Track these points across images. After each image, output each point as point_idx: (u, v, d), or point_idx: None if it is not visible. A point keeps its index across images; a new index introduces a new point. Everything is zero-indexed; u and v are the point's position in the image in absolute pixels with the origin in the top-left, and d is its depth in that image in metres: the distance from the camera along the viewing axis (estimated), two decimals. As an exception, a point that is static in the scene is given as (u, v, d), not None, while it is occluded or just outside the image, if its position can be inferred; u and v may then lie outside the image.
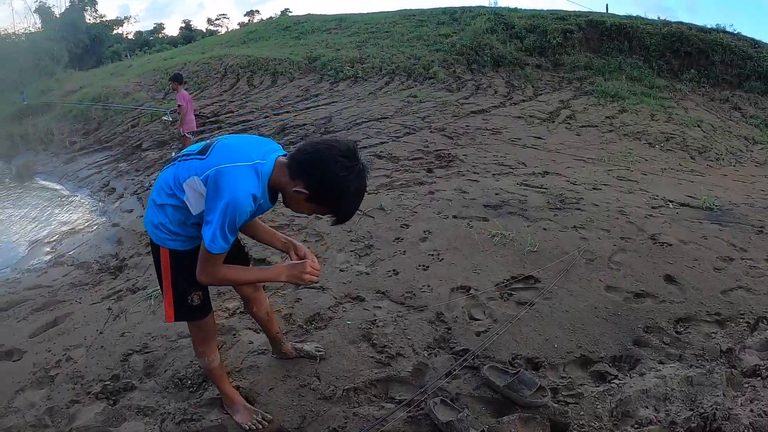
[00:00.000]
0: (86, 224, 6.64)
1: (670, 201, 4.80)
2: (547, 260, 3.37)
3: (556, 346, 2.54)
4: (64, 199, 8.26)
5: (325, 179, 1.58)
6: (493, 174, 5.76)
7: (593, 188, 5.15)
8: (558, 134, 8.55)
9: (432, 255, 3.61)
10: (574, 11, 18.30)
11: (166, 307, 1.91)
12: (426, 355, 2.54)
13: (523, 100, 11.48)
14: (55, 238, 6.28)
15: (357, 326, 2.81)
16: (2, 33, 32.01)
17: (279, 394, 2.38)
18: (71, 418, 2.43)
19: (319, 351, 2.57)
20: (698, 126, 9.93)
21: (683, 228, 4.02)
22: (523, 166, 6.26)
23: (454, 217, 4.28)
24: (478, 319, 2.80)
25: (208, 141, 1.78)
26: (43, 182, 9.68)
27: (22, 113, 15.76)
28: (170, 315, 1.92)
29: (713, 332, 2.66)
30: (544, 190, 4.89)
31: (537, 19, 16.76)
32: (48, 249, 5.92)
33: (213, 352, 2.13)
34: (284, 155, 1.74)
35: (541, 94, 12.28)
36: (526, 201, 4.55)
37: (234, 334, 2.91)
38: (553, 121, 9.52)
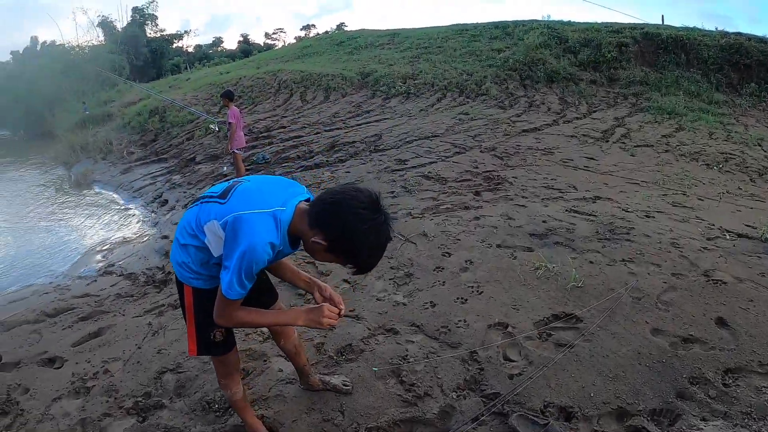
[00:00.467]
0: (138, 235, 6.89)
1: (727, 231, 4.48)
2: (592, 297, 3.19)
3: (592, 394, 2.37)
4: (118, 209, 8.62)
5: (345, 231, 1.53)
6: (542, 198, 5.57)
7: (646, 216, 4.88)
8: (612, 155, 8.21)
9: (472, 287, 3.49)
10: (629, 23, 17.76)
11: (189, 341, 1.93)
12: (455, 396, 2.43)
13: (577, 118, 11.15)
14: (107, 246, 6.54)
15: (388, 361, 2.74)
16: (66, 45, 34.16)
17: (302, 427, 2.35)
18: (102, 430, 2.50)
19: (346, 386, 2.53)
20: (759, 145, 9.32)
21: (739, 263, 3.72)
22: (573, 190, 6.03)
23: (498, 246, 4.14)
24: (513, 361, 2.66)
25: (230, 182, 1.78)
26: (100, 191, 10.15)
27: (83, 123, 16.68)
28: (192, 349, 1.94)
29: (764, 386, 2.41)
30: (594, 218, 4.66)
31: (591, 32, 16.34)
32: (99, 257, 6.17)
33: (236, 385, 2.13)
34: (307, 199, 1.71)
35: (595, 111, 11.90)
36: (574, 230, 4.35)
37: (265, 361, 2.91)
38: (607, 141, 9.17)
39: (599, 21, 18.40)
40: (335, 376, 2.60)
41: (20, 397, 2.84)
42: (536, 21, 19.46)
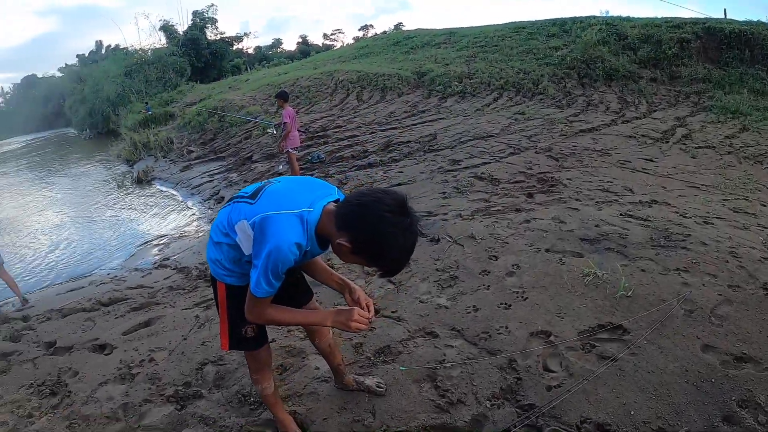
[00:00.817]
0: (194, 230, 7.16)
1: (791, 241, 4.14)
2: (641, 308, 3.01)
3: (632, 413, 2.23)
4: (177, 205, 9.00)
5: (370, 235, 1.51)
6: (596, 202, 5.33)
7: (704, 222, 4.58)
8: (671, 156, 7.78)
9: (516, 292, 3.39)
10: (691, 18, 16.80)
11: (221, 335, 1.98)
12: (488, 405, 2.37)
13: (636, 117, 10.67)
14: (164, 240, 6.84)
15: (425, 365, 2.70)
16: (129, 48, 35.92)
17: (332, 426, 2.37)
18: (141, 415, 2.62)
19: (380, 387, 2.52)
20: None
21: (802, 276, 3.41)
22: (629, 193, 5.76)
23: (547, 250, 3.99)
24: (553, 372, 2.55)
25: (261, 183, 1.80)
26: (160, 187, 10.65)
27: (146, 122, 17.55)
28: (224, 344, 1.99)
29: (819, 413, 2.19)
30: (649, 223, 4.42)
31: (651, 28, 15.62)
32: (156, 251, 6.46)
33: (267, 380, 2.16)
34: (337, 200, 1.70)
35: (655, 111, 11.36)
36: (627, 236, 4.13)
37: (303, 358, 2.95)
38: (667, 141, 8.70)
39: (659, 16, 17.57)
40: (370, 377, 2.60)
41: (69, 379, 3.02)
42: (594, 17, 18.77)
